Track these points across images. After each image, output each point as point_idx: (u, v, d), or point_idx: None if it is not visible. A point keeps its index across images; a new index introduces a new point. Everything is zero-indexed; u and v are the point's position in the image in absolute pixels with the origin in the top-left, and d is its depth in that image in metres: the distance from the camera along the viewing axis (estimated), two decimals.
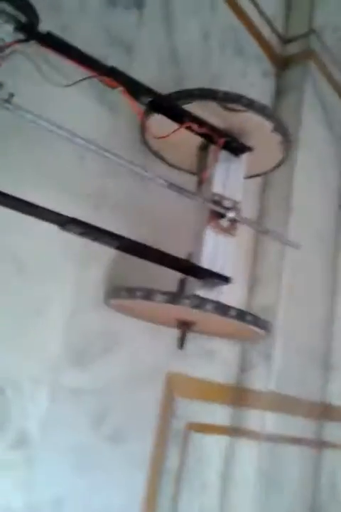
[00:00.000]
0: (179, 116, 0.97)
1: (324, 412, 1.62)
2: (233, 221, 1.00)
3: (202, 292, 0.96)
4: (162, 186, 0.94)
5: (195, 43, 1.40)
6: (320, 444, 1.60)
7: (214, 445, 1.37)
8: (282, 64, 1.74)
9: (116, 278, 1.09)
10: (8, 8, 0.78)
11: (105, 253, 1.07)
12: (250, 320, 0.95)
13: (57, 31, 0.83)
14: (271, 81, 1.72)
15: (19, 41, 0.78)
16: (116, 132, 1.11)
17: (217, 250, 0.99)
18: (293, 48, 1.76)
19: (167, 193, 1.02)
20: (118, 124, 1.12)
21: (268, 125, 1.04)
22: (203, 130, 0.98)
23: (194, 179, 1.14)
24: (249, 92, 1.58)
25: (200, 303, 0.91)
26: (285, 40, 1.77)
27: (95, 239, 0.87)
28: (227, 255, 0.99)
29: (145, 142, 1.16)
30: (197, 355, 1.31)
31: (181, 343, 1.04)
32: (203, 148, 1.10)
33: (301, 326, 1.51)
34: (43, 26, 0.82)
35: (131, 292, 0.95)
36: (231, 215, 0.98)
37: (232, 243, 1.00)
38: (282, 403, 1.43)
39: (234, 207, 1.01)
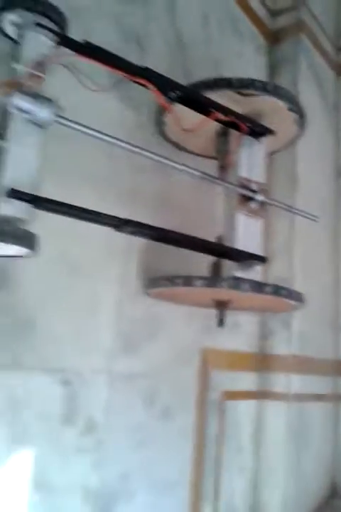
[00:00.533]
0: (205, 107, 1.02)
1: (338, 368, 1.73)
2: (261, 203, 1.06)
3: (239, 273, 1.02)
4: (193, 178, 1.00)
5: (197, 28, 1.43)
6: (337, 398, 1.72)
7: (245, 410, 1.46)
8: (273, 38, 1.78)
9: (153, 268, 1.15)
10: (45, 21, 0.81)
11: (142, 246, 1.13)
12: (285, 294, 1.03)
13: (78, 33, 0.86)
14: (264, 56, 1.76)
15: (60, 53, 0.82)
16: (138, 128, 1.15)
17: (248, 232, 1.05)
18: (282, 21, 1.79)
19: (189, 180, 1.08)
20: (140, 121, 1.16)
21: (282, 105, 1.10)
22: (228, 118, 1.03)
23: (208, 163, 1.21)
24: (245, 70, 1.65)
25: (237, 283, 0.98)
26: (274, 13, 1.80)
27: (144, 235, 0.92)
28: (258, 236, 1.06)
29: (164, 135, 1.21)
30: (225, 330, 1.39)
31: (220, 321, 1.11)
32: (222, 134, 1.15)
33: (313, 292, 1.60)
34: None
35: (171, 281, 1.01)
36: (260, 198, 1.04)
37: (261, 224, 1.07)
38: (303, 364, 1.53)
39: (261, 189, 1.07)
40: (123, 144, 0.88)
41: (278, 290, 1.02)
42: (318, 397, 1.61)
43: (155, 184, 1.19)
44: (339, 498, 1.69)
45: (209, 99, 1.01)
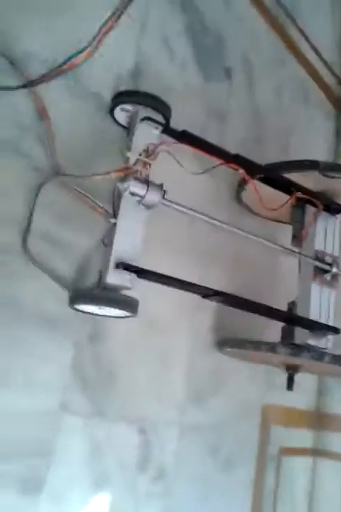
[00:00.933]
0: (285, 186, 1.10)
1: None
2: (335, 275, 1.13)
3: (312, 341, 1.08)
4: (277, 249, 1.08)
5: (271, 99, 1.53)
6: None
7: (301, 467, 1.50)
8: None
9: (223, 323, 1.23)
10: (154, 114, 0.93)
11: (212, 305, 1.21)
12: None
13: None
14: (332, 122, 1.84)
15: (165, 142, 0.93)
16: (218, 195, 1.26)
17: (322, 302, 1.12)
18: None
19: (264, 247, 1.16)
20: (219, 188, 1.27)
21: None
22: (307, 196, 1.11)
23: (279, 226, 1.31)
24: (315, 137, 1.73)
25: (320, 355, 1.05)
26: None
27: (226, 303, 1.01)
28: (332, 306, 1.12)
29: (241, 202, 1.30)
30: (284, 387, 1.44)
31: (290, 384, 1.17)
32: (298, 207, 1.22)
33: None
34: None
35: (256, 345, 1.08)
36: (335, 270, 1.11)
37: (335, 295, 1.13)
38: None
39: (335, 262, 1.14)
40: (213, 221, 0.98)
41: None
42: None
43: (230, 247, 1.27)
44: None
45: (290, 180, 1.09)
